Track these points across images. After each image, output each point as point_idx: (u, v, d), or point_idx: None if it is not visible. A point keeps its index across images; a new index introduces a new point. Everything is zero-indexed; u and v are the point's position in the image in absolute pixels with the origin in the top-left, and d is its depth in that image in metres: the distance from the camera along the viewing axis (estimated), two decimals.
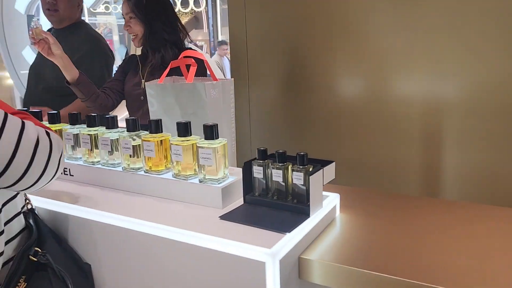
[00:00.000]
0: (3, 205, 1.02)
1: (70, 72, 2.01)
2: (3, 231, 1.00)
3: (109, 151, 1.36)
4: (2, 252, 1.00)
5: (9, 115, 0.95)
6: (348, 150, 2.25)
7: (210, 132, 1.15)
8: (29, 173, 0.97)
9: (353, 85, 2.23)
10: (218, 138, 1.17)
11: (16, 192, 1.06)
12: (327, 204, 1.15)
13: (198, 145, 1.16)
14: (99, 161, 1.39)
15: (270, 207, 1.12)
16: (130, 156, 1.30)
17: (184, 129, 1.20)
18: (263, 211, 1.10)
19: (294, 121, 2.44)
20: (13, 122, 0.94)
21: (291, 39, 2.41)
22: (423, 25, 1.95)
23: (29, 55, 5.46)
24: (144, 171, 1.29)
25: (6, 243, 1.03)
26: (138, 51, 2.26)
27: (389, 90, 2.11)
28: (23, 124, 0.96)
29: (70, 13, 2.40)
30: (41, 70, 2.42)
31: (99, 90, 2.13)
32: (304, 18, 2.32)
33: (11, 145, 0.92)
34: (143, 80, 2.12)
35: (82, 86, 2.04)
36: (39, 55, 2.47)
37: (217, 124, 1.16)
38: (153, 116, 1.55)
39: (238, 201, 1.19)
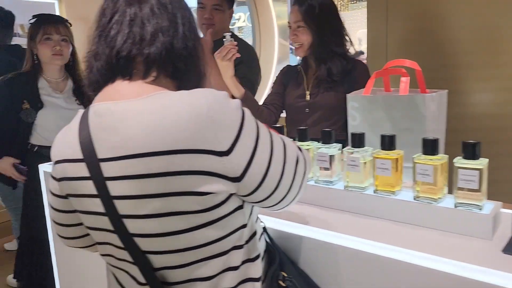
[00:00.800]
0: (255, 221, 0.95)
1: (239, 89, 1.96)
2: (259, 254, 0.93)
3: (324, 168, 1.27)
4: (260, 277, 0.92)
5: (271, 131, 0.88)
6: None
7: (472, 150, 1.01)
8: (291, 192, 0.89)
9: (494, 100, 2.09)
10: (479, 158, 1.02)
11: None
12: None
13: (456, 165, 1.03)
14: (311, 178, 1.31)
15: None
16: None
17: (432, 147, 1.08)
18: None
19: None
20: (277, 139, 0.87)
21: (433, 48, 2.24)
22: None
23: None
24: (374, 191, 1.18)
25: None
26: None
27: None
28: (282, 140, 0.89)
29: (224, 25, 2.39)
30: None
31: (261, 106, 2.07)
32: (448, 28, 2.18)
33: (279, 163, 0.85)
34: (307, 92, 2.03)
35: (249, 102, 1.98)
36: None
37: (480, 142, 1.02)
38: (353, 130, 1.44)
39: (499, 230, 1.03)
